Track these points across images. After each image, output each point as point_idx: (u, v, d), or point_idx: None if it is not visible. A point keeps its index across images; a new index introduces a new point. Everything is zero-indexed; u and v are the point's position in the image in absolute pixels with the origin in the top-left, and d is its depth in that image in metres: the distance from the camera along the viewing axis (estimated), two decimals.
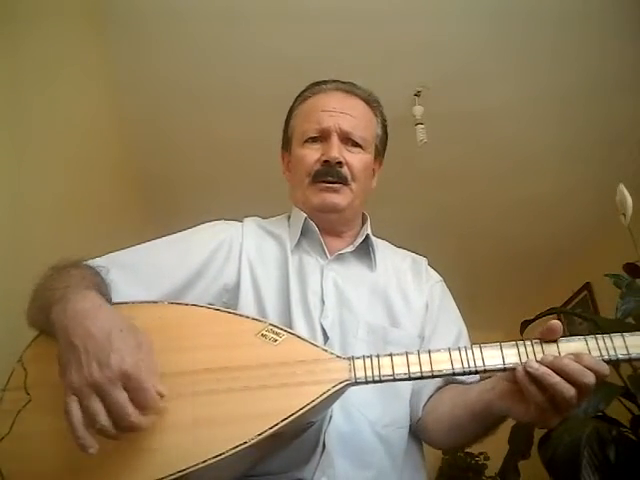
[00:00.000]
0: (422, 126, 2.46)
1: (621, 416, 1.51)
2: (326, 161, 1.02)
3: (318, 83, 1.11)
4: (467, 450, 3.93)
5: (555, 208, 3.25)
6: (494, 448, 1.50)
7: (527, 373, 0.69)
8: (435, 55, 2.36)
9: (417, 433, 0.96)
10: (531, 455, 1.55)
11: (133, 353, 0.69)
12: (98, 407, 0.66)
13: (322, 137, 1.04)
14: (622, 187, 1.54)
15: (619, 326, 1.46)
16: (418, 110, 2.48)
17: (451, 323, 1.05)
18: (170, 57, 2.31)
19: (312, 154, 1.03)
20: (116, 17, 2.12)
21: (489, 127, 2.74)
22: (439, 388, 0.95)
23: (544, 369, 0.68)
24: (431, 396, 0.95)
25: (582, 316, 2.27)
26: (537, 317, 1.62)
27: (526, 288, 3.99)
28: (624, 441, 1.41)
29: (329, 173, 1.02)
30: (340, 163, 1.02)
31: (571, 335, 0.74)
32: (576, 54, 2.36)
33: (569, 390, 0.67)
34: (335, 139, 1.02)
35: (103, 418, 0.65)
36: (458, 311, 1.09)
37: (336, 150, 1.02)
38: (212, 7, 2.09)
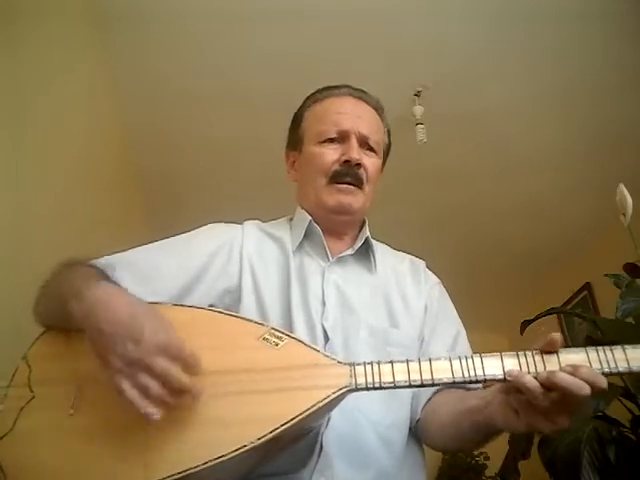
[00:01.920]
0: (422, 126, 2.46)
1: (621, 416, 1.51)
2: (346, 161, 1.03)
3: (330, 87, 1.13)
4: None
5: (555, 208, 3.25)
6: (494, 448, 1.50)
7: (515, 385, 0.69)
8: (435, 55, 2.36)
9: (417, 434, 0.96)
10: (531, 455, 1.55)
11: (162, 326, 0.72)
12: (147, 380, 0.68)
13: (340, 138, 1.05)
14: (622, 187, 1.53)
15: (619, 326, 1.46)
16: (418, 110, 2.48)
17: (449, 324, 1.05)
18: (170, 57, 2.31)
19: (331, 154, 1.04)
20: (116, 17, 2.12)
21: (489, 127, 2.74)
22: (438, 390, 0.95)
23: (533, 384, 0.67)
24: (430, 399, 0.95)
25: (582, 316, 2.27)
26: (537, 317, 1.61)
27: (526, 288, 3.99)
28: (624, 441, 1.41)
29: (349, 174, 1.03)
30: (359, 165, 1.03)
31: (570, 336, 0.74)
32: (577, 54, 2.36)
33: (545, 400, 0.67)
34: (354, 141, 1.04)
35: (156, 387, 0.68)
36: (456, 312, 1.09)
37: (357, 152, 1.03)
38: (212, 7, 2.09)
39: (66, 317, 0.76)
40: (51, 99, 1.67)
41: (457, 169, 2.99)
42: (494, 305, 4.02)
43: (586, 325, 2.08)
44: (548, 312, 1.64)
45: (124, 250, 0.98)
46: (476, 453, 3.90)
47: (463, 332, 1.05)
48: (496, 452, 1.78)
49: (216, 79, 2.41)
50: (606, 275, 1.67)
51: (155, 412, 0.67)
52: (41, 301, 0.86)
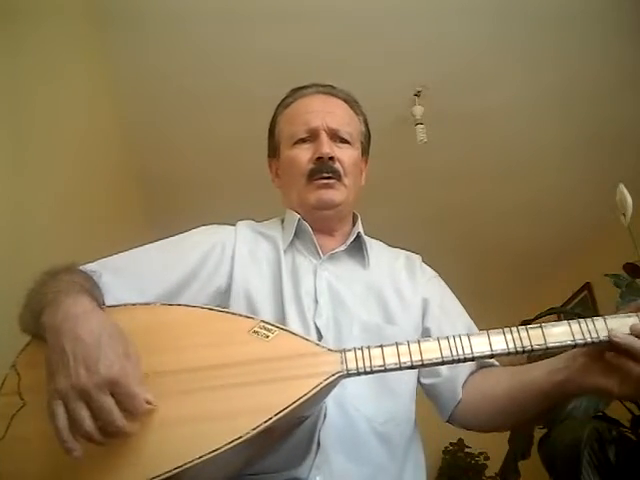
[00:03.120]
0: (422, 126, 2.46)
1: (621, 416, 1.52)
2: (319, 158, 1.03)
3: (298, 89, 1.14)
4: (467, 450, 3.94)
5: (555, 208, 3.25)
6: (494, 448, 1.51)
7: (615, 344, 0.71)
8: (435, 55, 2.36)
9: (456, 417, 0.97)
10: (531, 455, 1.55)
11: (121, 360, 0.70)
12: (83, 412, 0.66)
13: (311, 137, 1.06)
14: (622, 187, 1.53)
15: None
16: (418, 110, 2.48)
17: (458, 318, 1.06)
18: (170, 57, 2.31)
19: (303, 154, 1.05)
20: (116, 17, 2.12)
21: (489, 127, 2.74)
22: (472, 373, 0.97)
23: (631, 338, 0.71)
24: (466, 380, 0.97)
25: (582, 316, 2.27)
26: (537, 317, 1.62)
27: (526, 288, 3.99)
28: (624, 441, 1.41)
29: (323, 169, 1.03)
30: (332, 158, 1.04)
31: None
32: (577, 54, 2.36)
33: None
34: (324, 136, 1.05)
35: (88, 423, 0.66)
36: (459, 303, 1.10)
37: (327, 146, 1.04)
38: (212, 7, 2.09)
39: (38, 329, 0.76)
40: (51, 99, 1.67)
41: (457, 169, 2.99)
42: (494, 305, 4.01)
43: None
44: (548, 312, 1.65)
45: (123, 250, 0.98)
46: (476, 453, 3.90)
47: (472, 322, 1.07)
48: (496, 452, 1.79)
49: (216, 79, 2.42)
50: (606, 275, 1.67)
51: (76, 449, 0.66)
52: (23, 310, 0.85)
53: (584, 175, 2.97)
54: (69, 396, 0.67)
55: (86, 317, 0.73)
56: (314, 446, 0.83)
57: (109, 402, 0.67)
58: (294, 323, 0.92)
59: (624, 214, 1.52)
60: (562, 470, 1.38)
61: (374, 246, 1.11)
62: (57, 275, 0.84)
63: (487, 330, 0.75)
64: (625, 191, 1.52)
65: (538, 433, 1.54)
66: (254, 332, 0.78)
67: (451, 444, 4.00)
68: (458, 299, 1.11)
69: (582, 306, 3.56)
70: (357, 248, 1.07)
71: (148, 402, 0.70)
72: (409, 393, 0.97)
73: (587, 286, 3.57)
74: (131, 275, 0.93)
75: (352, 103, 1.14)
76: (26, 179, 1.45)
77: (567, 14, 2.17)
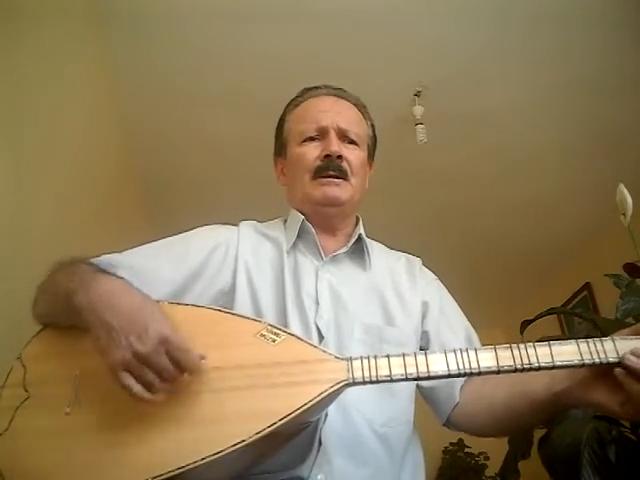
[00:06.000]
0: (422, 126, 2.46)
1: None
2: (327, 155, 1.04)
3: (309, 89, 1.15)
4: (467, 450, 3.94)
5: (555, 208, 3.25)
6: (494, 448, 1.51)
7: (626, 367, 0.70)
8: (435, 55, 2.36)
9: (452, 421, 0.98)
10: (531, 455, 1.55)
11: (167, 321, 0.74)
12: (151, 376, 0.71)
13: (320, 135, 1.07)
14: (622, 187, 1.53)
15: (619, 326, 1.45)
16: (418, 110, 2.48)
17: (457, 322, 1.07)
18: (170, 57, 2.31)
19: (311, 151, 1.06)
20: (116, 17, 2.12)
21: (489, 127, 2.74)
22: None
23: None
24: (464, 383, 0.97)
25: (582, 316, 2.26)
26: (537, 317, 1.61)
27: (526, 288, 4.00)
28: (624, 441, 1.41)
29: (330, 167, 1.04)
30: (340, 157, 1.05)
31: (570, 335, 0.75)
32: (577, 54, 2.36)
33: None
34: (334, 135, 1.06)
35: (158, 383, 0.71)
36: (458, 306, 1.10)
37: (336, 145, 1.05)
38: (212, 7, 2.09)
39: (71, 312, 0.77)
40: (51, 99, 1.68)
41: (456, 169, 2.99)
42: (494, 305, 4.02)
43: (586, 325, 2.08)
44: (548, 312, 1.64)
45: (122, 249, 0.99)
46: (476, 453, 3.90)
47: (470, 327, 1.07)
48: (496, 452, 1.79)
49: (216, 79, 2.41)
50: (606, 275, 1.67)
51: (160, 397, 0.71)
52: (40, 300, 0.86)
53: (584, 175, 2.97)
54: (132, 365, 0.70)
55: (122, 290, 0.77)
56: (315, 445, 0.84)
57: (167, 362, 0.71)
58: (295, 324, 0.93)
59: (624, 214, 1.52)
60: (562, 470, 1.38)
61: (375, 248, 1.11)
62: (76, 263, 0.86)
63: (494, 345, 0.75)
64: (625, 191, 1.52)
65: (538, 433, 1.54)
66: (261, 335, 0.78)
67: (451, 444, 4.00)
68: (458, 299, 1.12)
69: (582, 306, 3.56)
70: (358, 250, 1.07)
71: (201, 357, 0.74)
72: (408, 395, 0.97)
73: (587, 286, 3.57)
74: (136, 275, 0.93)
75: (361, 107, 1.15)
76: (26, 179, 1.45)
77: (567, 14, 2.17)
